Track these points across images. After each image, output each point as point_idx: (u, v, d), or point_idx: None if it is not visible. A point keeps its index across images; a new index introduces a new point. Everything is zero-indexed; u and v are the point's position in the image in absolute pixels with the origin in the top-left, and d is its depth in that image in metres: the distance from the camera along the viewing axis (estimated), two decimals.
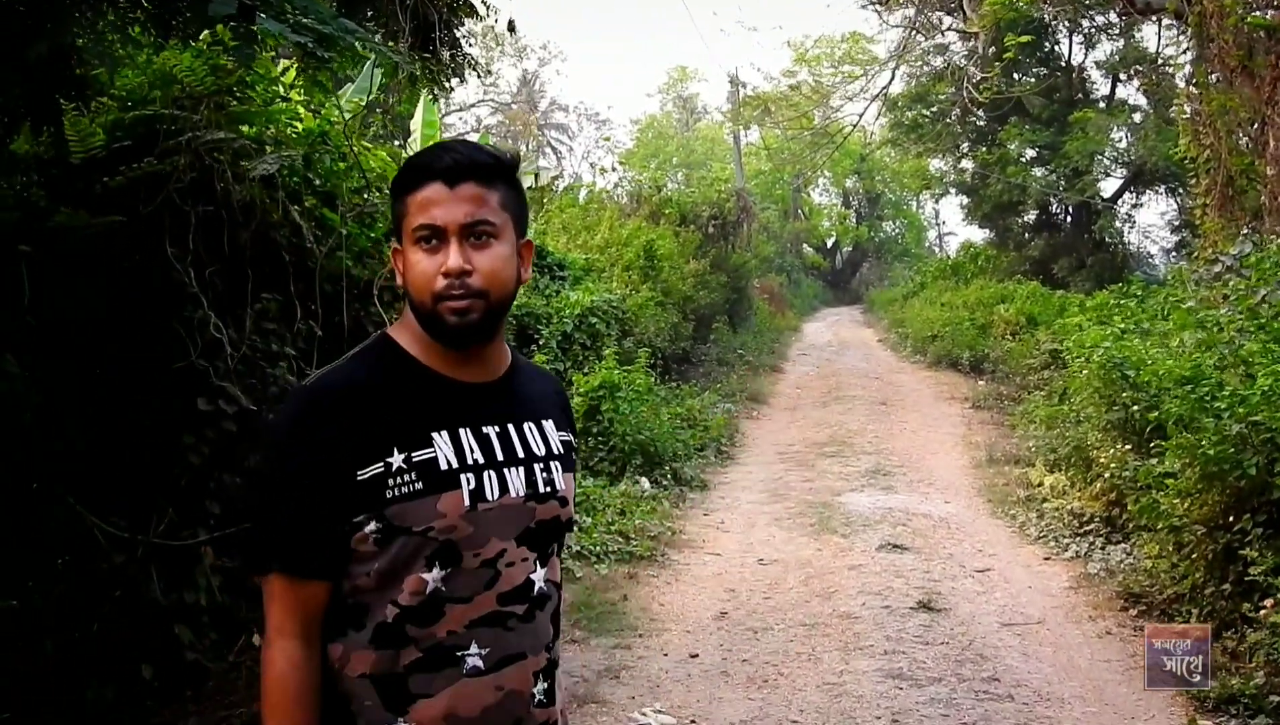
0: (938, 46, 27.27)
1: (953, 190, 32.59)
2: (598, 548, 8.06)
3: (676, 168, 46.23)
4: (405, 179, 1.89)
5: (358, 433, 1.81)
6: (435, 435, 1.86)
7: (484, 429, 1.92)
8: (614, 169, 38.18)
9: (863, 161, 44.90)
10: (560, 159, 52.56)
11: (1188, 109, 15.35)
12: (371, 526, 1.81)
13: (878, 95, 24.24)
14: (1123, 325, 10.93)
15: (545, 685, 1.95)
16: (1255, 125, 13.71)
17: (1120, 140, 27.43)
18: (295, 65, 5.39)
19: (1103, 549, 7.87)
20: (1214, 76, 14.17)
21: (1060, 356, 14.33)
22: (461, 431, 1.89)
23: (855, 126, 26.45)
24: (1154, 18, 24.39)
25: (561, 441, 2.05)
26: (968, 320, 21.27)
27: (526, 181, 16.50)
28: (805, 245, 47.81)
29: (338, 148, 5.70)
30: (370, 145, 6.30)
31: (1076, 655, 6.04)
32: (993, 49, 22.69)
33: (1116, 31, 28.05)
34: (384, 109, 7.82)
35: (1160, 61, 26.22)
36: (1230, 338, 7.47)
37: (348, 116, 5.85)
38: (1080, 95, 27.89)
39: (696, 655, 6.15)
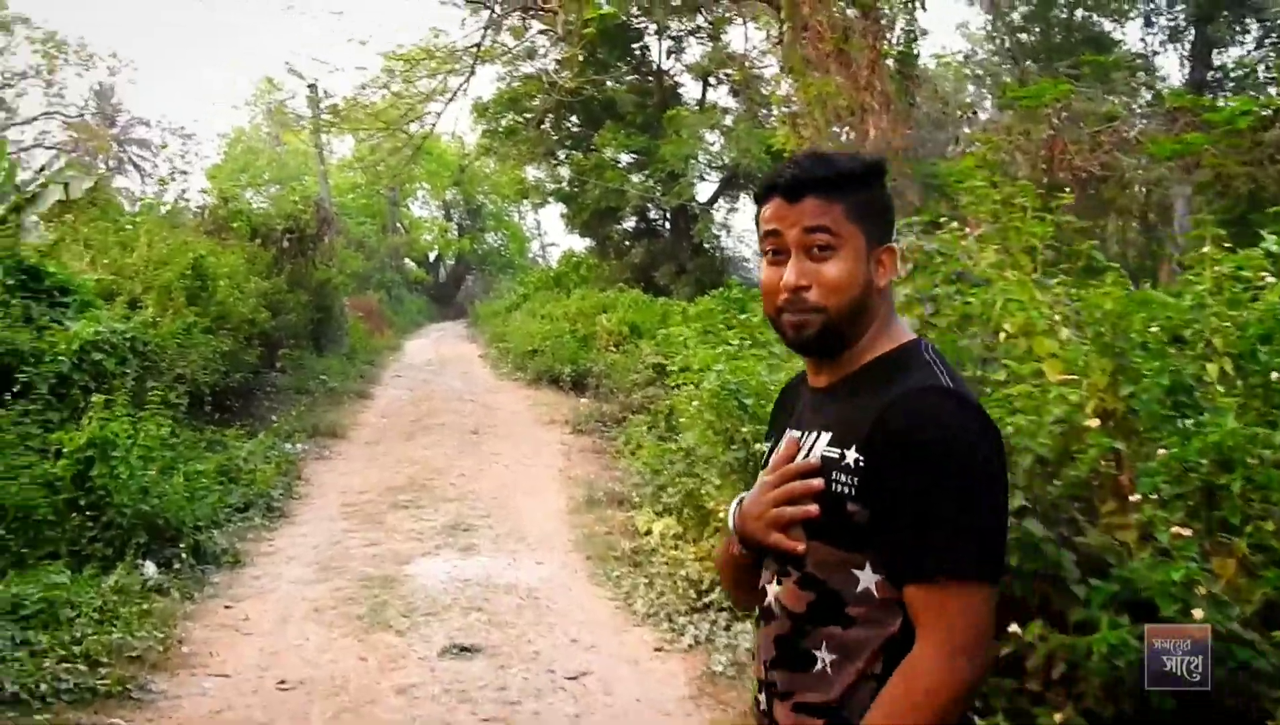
0: (528, 50, 26.04)
1: (551, 199, 31.45)
2: (44, 684, 5.57)
3: (269, 182, 43.15)
4: (758, 195, 1.97)
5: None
6: (788, 432, 2.00)
7: (793, 433, 1.98)
8: (173, 178, 34.97)
9: (462, 172, 43.50)
10: (145, 175, 47.62)
11: (784, 100, 14.41)
12: None
13: (454, 94, 22.40)
14: (736, 341, 9.31)
15: (767, 701, 1.93)
16: (855, 114, 12.79)
17: (714, 143, 27.17)
18: None
19: (727, 629, 6.15)
20: (810, 68, 13.16)
21: (666, 371, 12.90)
22: (788, 433, 2.00)
23: (434, 127, 24.51)
24: (741, 17, 24.06)
25: (822, 457, 1.89)
26: (569, 332, 19.84)
27: (54, 195, 13.64)
28: (407, 259, 45.83)
29: None
30: None
31: None
32: (580, 51, 21.60)
33: (705, 35, 27.78)
34: None
35: (748, 63, 26.00)
36: None
37: None
38: (672, 99, 27.50)
39: None
